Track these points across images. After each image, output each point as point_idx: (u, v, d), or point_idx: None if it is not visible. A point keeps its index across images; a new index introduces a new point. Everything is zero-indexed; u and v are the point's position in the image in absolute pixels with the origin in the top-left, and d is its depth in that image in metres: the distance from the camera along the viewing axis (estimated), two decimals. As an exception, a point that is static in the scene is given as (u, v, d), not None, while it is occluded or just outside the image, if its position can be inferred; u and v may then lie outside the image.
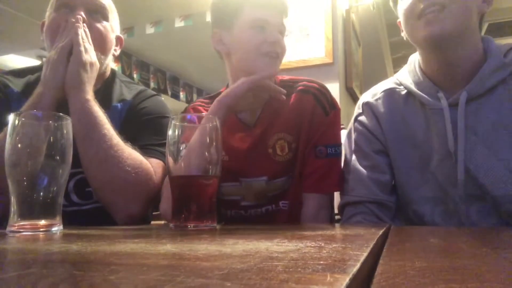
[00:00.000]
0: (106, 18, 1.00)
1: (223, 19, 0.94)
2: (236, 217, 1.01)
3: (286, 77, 1.03)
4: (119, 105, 1.01)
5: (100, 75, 1.01)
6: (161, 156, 0.95)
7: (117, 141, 0.85)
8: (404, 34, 0.92)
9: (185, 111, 1.07)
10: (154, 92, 1.11)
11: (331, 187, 0.95)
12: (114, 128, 0.88)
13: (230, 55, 0.95)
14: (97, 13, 0.98)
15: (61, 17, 0.94)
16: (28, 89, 0.99)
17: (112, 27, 1.03)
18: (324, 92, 0.96)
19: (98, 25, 0.97)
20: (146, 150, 0.93)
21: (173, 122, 0.66)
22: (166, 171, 0.97)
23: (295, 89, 0.97)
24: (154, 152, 0.95)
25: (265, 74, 0.88)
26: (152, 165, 0.90)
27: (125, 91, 1.05)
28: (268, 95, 0.95)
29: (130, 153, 0.86)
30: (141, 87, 1.10)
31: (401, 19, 0.89)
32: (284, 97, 0.91)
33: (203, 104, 1.05)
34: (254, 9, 0.90)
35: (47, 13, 1.00)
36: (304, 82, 0.98)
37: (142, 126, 0.99)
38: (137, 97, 1.04)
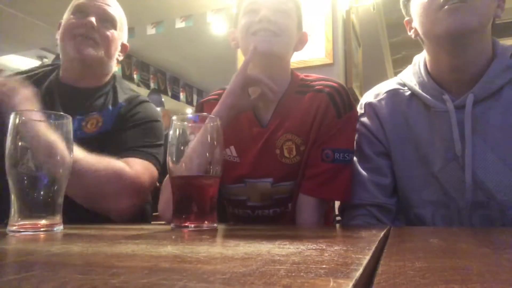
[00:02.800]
0: (114, 27, 1.12)
1: (235, 17, 0.96)
2: (244, 217, 0.99)
3: (311, 76, 0.98)
4: (111, 108, 1.07)
5: (103, 75, 1.13)
6: (148, 156, 0.99)
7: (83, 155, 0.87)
8: (412, 33, 0.90)
9: (198, 106, 1.06)
10: (146, 99, 1.17)
11: (333, 194, 0.90)
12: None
13: (239, 48, 0.96)
14: (107, 22, 1.10)
15: (76, 21, 1.06)
16: None
17: (119, 35, 1.14)
18: (341, 93, 0.90)
19: (107, 31, 1.09)
20: (134, 151, 0.98)
21: (174, 122, 0.66)
22: (152, 170, 0.99)
23: (312, 88, 0.92)
24: (140, 153, 0.99)
25: (250, 54, 0.84)
26: (133, 165, 0.94)
27: (119, 96, 1.11)
28: (284, 89, 0.93)
29: (96, 163, 0.88)
30: (134, 94, 1.16)
31: (417, 13, 0.85)
32: (271, 95, 0.85)
33: (217, 97, 0.99)
34: None
35: (64, 16, 1.11)
36: (322, 82, 0.93)
37: (132, 129, 1.04)
38: (129, 103, 1.10)
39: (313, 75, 0.98)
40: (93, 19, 1.05)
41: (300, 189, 0.90)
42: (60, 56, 1.12)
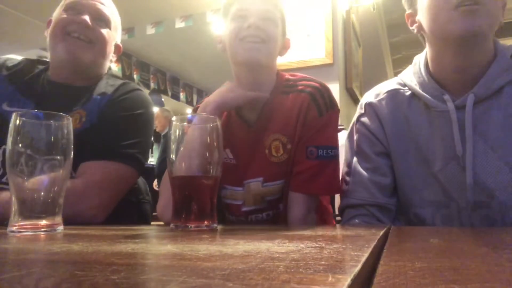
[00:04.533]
0: (109, 27, 1.08)
1: (222, 20, 0.98)
2: (237, 222, 1.01)
3: (295, 75, 1.01)
4: (98, 97, 1.03)
5: (96, 76, 1.09)
6: (120, 158, 0.96)
7: None
8: (414, 27, 0.88)
9: (194, 111, 1.07)
10: (136, 87, 1.12)
11: (319, 189, 0.93)
12: None
13: (225, 52, 0.97)
14: (101, 21, 1.06)
15: (68, 17, 1.01)
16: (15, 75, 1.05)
17: (113, 35, 1.11)
18: (322, 92, 0.94)
19: (102, 30, 1.05)
20: (106, 153, 0.95)
21: (173, 122, 0.66)
22: (118, 174, 0.96)
23: (294, 89, 0.96)
24: (112, 155, 0.96)
25: (255, 95, 0.92)
26: (92, 174, 0.91)
27: (108, 85, 1.08)
28: (269, 91, 0.96)
29: None
30: (123, 81, 1.12)
31: (427, 9, 0.82)
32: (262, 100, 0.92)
33: None
34: (237, 2, 0.92)
35: (55, 13, 1.06)
36: (304, 82, 0.96)
37: (117, 123, 1.00)
38: (118, 91, 1.06)
39: (298, 75, 1.01)
40: (87, 17, 1.01)
41: (289, 187, 0.93)
42: (49, 54, 1.06)
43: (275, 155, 0.93)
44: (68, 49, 1.00)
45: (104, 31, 1.05)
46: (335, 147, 0.93)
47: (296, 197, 0.91)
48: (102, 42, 1.05)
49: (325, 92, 0.94)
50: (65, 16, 1.01)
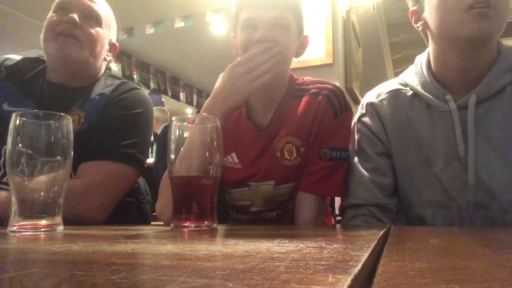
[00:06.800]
0: (99, 25, 1.06)
1: (234, 23, 0.95)
2: (247, 222, 1.01)
3: (302, 79, 1.00)
4: (97, 97, 1.03)
5: (91, 76, 1.07)
6: (118, 159, 0.96)
7: None
8: (420, 25, 0.87)
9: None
10: (134, 86, 1.11)
11: (330, 191, 0.93)
12: None
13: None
14: (91, 19, 1.04)
15: (58, 18, 1.00)
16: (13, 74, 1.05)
17: (106, 33, 1.08)
18: (337, 93, 0.93)
19: (91, 29, 1.03)
20: (105, 154, 0.95)
21: (173, 122, 0.66)
22: (119, 173, 0.96)
23: (308, 92, 0.94)
24: (111, 155, 0.95)
25: (268, 76, 0.80)
26: (92, 175, 0.91)
27: (106, 85, 1.07)
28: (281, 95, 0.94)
29: None
30: (121, 80, 1.11)
31: (437, 8, 0.80)
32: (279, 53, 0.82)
33: None
34: (245, 9, 0.89)
35: (48, 16, 1.05)
36: (317, 85, 0.95)
37: (116, 123, 1.00)
38: (116, 90, 1.05)
39: (309, 78, 1.00)
40: (75, 15, 0.99)
41: (299, 187, 0.92)
42: (45, 57, 1.07)
43: (288, 159, 0.92)
44: (58, 47, 0.99)
45: (94, 29, 1.04)
46: (348, 149, 0.93)
47: (307, 198, 0.90)
48: (91, 41, 1.03)
49: (339, 94, 0.93)
50: (55, 17, 1.01)
